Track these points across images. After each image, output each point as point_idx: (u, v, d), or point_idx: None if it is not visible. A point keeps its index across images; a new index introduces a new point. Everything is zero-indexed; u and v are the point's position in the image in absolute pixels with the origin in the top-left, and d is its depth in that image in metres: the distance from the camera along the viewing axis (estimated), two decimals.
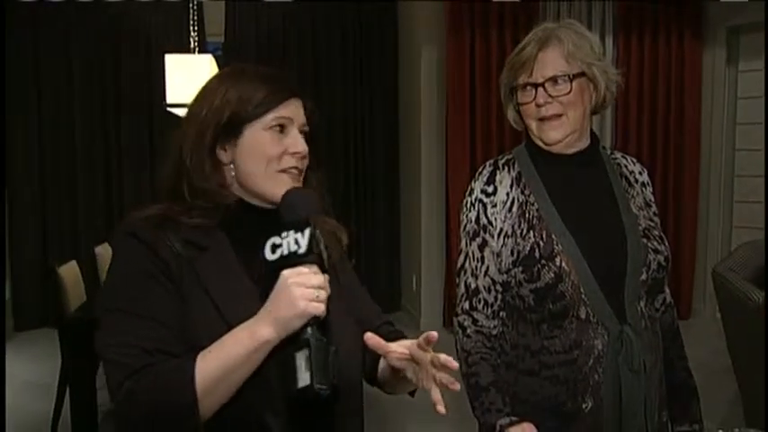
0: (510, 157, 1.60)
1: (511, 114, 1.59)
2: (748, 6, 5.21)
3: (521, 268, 1.48)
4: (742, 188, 5.83)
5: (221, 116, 1.14)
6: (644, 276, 1.50)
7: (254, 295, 1.13)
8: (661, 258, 1.52)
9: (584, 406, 1.46)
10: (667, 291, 1.68)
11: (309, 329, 1.05)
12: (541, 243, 1.47)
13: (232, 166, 1.16)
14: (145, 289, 1.10)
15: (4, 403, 2.99)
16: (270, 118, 1.15)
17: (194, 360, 1.06)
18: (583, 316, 1.45)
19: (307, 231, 1.07)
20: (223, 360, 1.06)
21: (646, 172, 1.66)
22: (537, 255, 1.46)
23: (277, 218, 1.12)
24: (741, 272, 2.97)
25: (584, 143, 1.56)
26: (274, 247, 1.08)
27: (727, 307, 3.02)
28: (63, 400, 3.60)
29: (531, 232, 1.48)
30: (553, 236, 1.47)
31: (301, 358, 1.03)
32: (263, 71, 1.19)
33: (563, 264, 1.45)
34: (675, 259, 5.89)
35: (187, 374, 1.05)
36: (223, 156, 1.16)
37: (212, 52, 5.73)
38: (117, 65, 5.84)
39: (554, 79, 1.47)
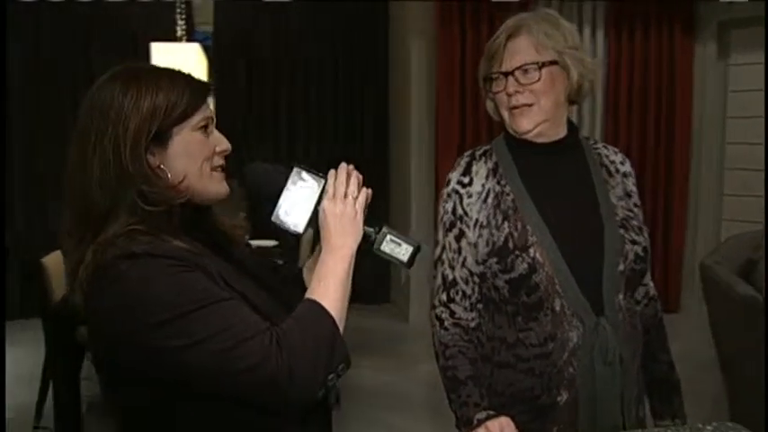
0: (488, 147, 1.59)
1: (489, 105, 1.58)
2: (739, 4, 5.22)
3: (495, 259, 1.46)
4: (732, 182, 5.83)
5: (154, 119, 1.09)
6: (621, 267, 1.48)
7: (254, 285, 1.17)
8: (639, 249, 1.50)
9: (558, 399, 1.45)
10: (651, 284, 1.66)
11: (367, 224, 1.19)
12: (515, 234, 1.46)
13: (162, 167, 1.11)
14: (204, 282, 1.05)
15: (4, 402, 2.97)
16: (197, 119, 1.13)
17: (309, 301, 1.10)
18: (557, 308, 1.44)
19: (302, 171, 1.17)
20: (334, 282, 1.12)
21: (628, 162, 1.64)
22: (511, 245, 1.45)
23: (209, 213, 1.21)
24: (728, 264, 2.96)
25: (561, 132, 1.55)
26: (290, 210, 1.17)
27: (713, 299, 3.02)
28: (47, 391, 3.57)
29: (506, 223, 1.47)
30: (527, 226, 1.46)
31: (387, 244, 1.19)
32: (173, 71, 1.16)
33: (537, 255, 1.44)
34: (664, 253, 5.94)
35: (319, 309, 1.09)
36: (152, 160, 1.11)
37: (201, 41, 5.69)
38: (103, 53, 5.75)
39: (523, 68, 1.46)
